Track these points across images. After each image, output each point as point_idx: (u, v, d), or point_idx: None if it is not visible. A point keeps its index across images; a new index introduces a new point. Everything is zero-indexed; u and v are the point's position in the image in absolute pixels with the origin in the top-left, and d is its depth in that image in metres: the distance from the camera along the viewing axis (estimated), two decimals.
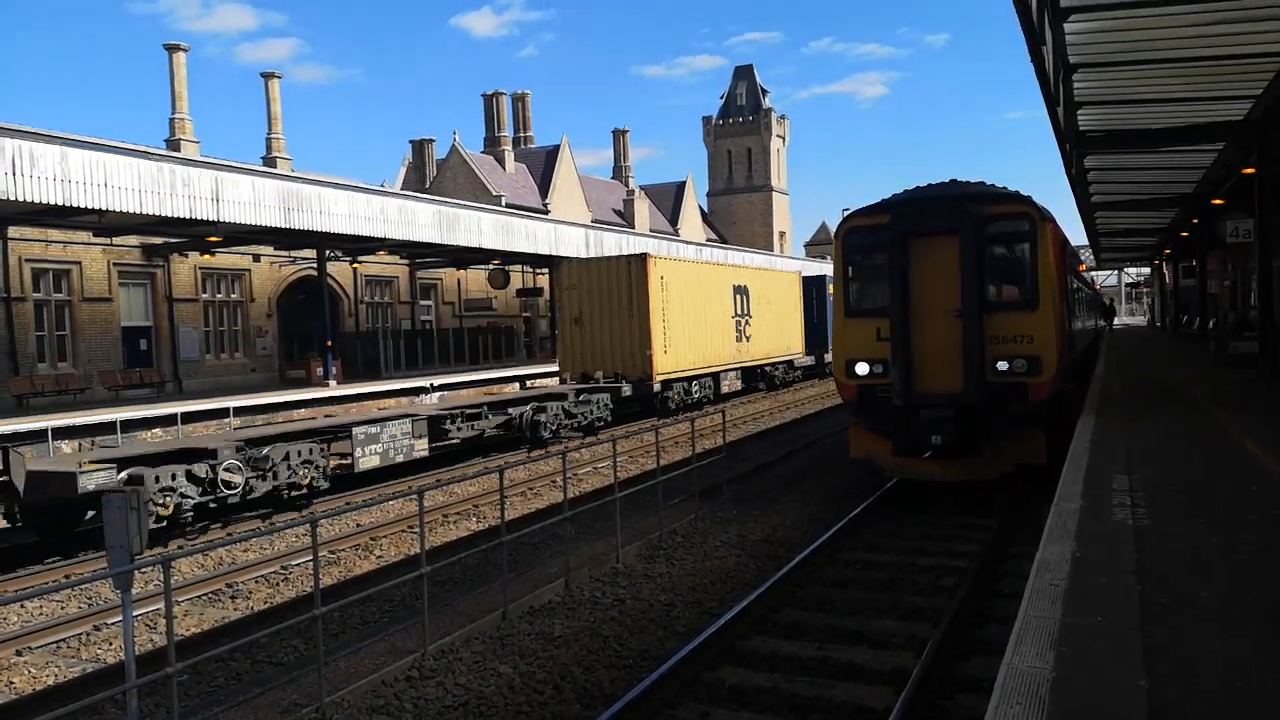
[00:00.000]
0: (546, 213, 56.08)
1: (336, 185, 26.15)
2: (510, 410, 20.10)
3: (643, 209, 76.08)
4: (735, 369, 30.65)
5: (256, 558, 11.99)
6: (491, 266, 40.21)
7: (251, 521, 14.01)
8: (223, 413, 22.65)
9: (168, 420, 21.36)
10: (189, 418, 21.82)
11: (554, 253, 34.84)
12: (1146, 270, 71.64)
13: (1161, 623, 4.48)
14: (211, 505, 13.19)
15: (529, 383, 30.31)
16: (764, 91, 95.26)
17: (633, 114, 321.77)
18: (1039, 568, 5.41)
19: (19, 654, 8.72)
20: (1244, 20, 11.27)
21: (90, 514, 12.33)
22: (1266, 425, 10.95)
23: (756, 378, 33.19)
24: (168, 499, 12.33)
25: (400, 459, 16.45)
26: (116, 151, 19.77)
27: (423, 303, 43.01)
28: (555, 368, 28.78)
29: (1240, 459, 8.91)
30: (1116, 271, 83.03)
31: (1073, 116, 15.34)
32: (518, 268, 43.39)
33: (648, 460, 17.57)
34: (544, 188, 65.77)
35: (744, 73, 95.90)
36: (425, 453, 17.21)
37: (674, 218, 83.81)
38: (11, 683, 8.14)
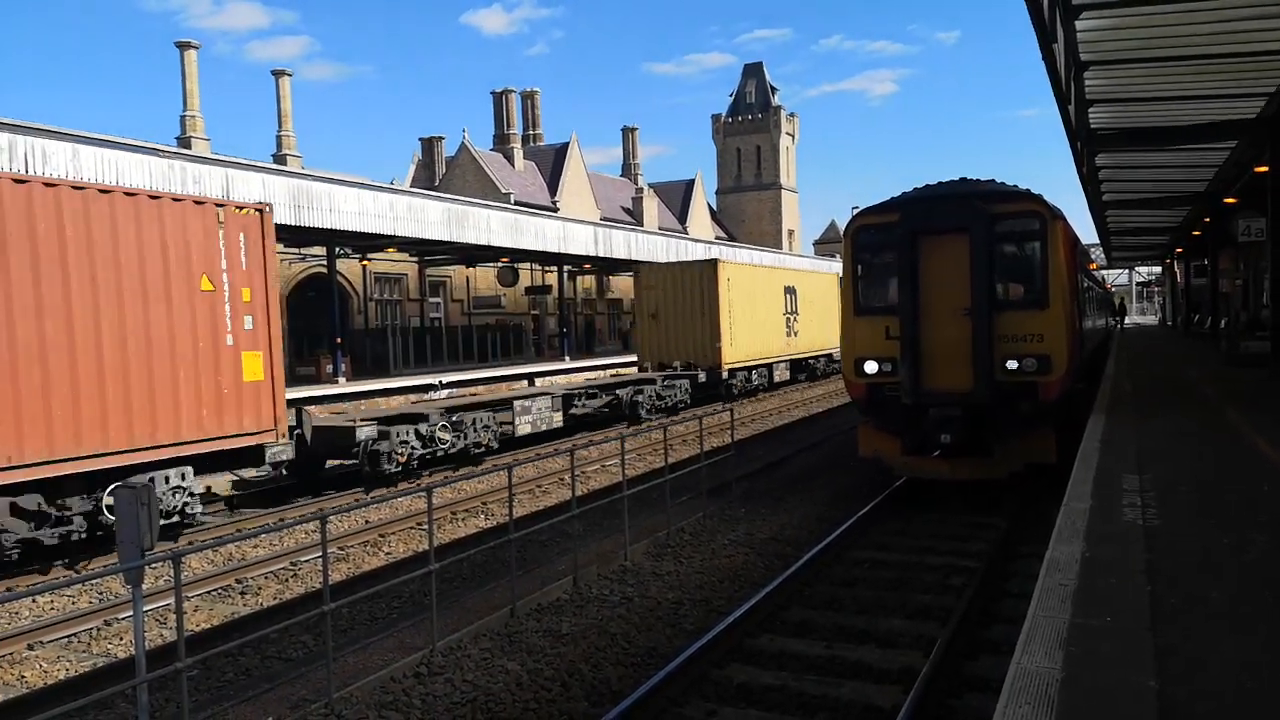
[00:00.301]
0: (555, 210, 56.14)
1: (346, 183, 26.20)
2: (618, 392, 24.06)
3: (651, 207, 76.04)
4: (785, 360, 33.76)
5: (266, 554, 12.04)
6: (500, 265, 40.26)
7: (264, 517, 14.07)
8: None
9: None
10: None
11: (562, 250, 34.85)
12: (1158, 269, 71.26)
13: (1172, 623, 4.46)
14: (428, 457, 16.76)
15: (612, 371, 33.38)
16: (773, 89, 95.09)
17: (642, 112, 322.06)
18: (1048, 567, 5.39)
19: (30, 648, 8.78)
20: (1257, 17, 11.20)
21: (354, 451, 15.68)
22: (1278, 425, 10.88)
23: (802, 369, 36.19)
24: (404, 450, 16.03)
25: (544, 427, 20.29)
26: (128, 149, 19.85)
27: (431, 300, 43.08)
28: (561, 365, 32.40)
29: (1252, 459, 8.86)
30: (1128, 270, 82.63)
31: (1084, 114, 15.27)
32: (526, 265, 43.44)
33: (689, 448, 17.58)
34: (553, 185, 65.81)
35: (753, 70, 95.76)
36: (560, 423, 21.08)
37: (683, 215, 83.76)
38: (23, 677, 8.20)
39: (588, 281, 54.86)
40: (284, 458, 13.72)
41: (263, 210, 13.35)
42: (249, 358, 12.83)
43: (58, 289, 10.71)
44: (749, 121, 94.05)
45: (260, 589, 10.61)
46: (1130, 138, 17.55)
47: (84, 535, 11.31)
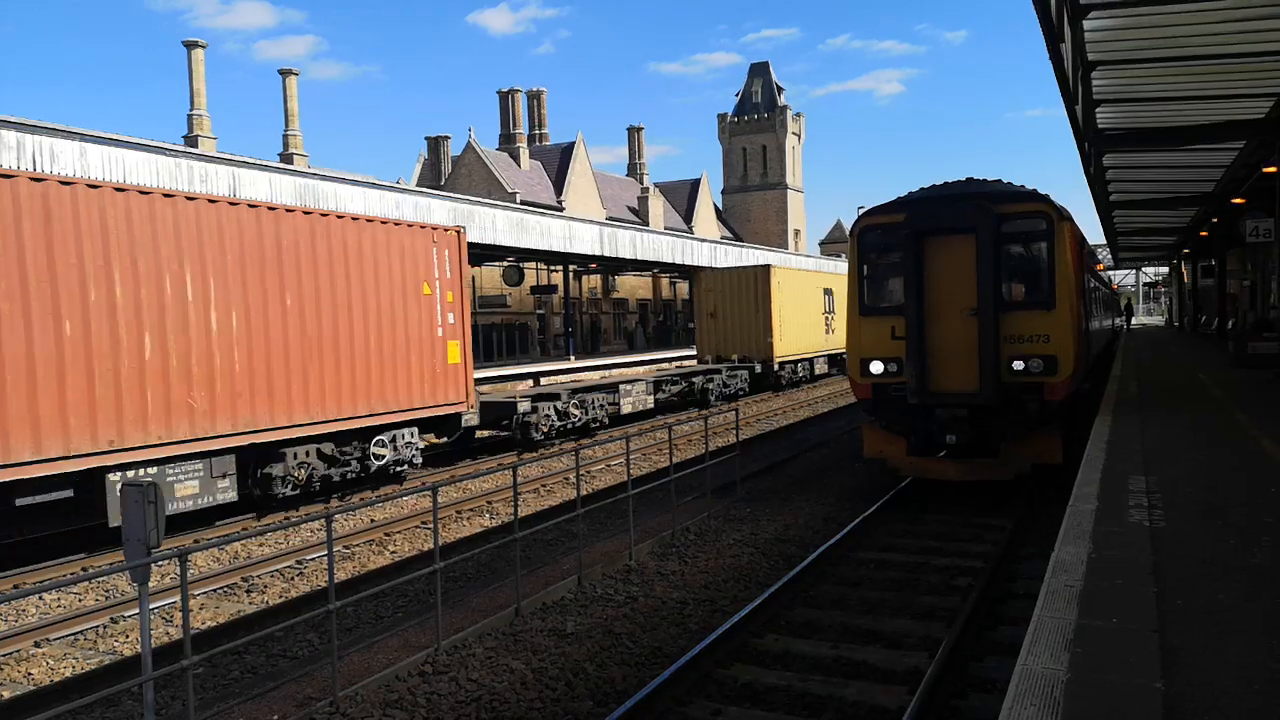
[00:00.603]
0: (561, 210, 56.14)
1: (352, 182, 26.25)
2: (693, 380, 27.80)
3: (657, 206, 76.03)
4: (824, 355, 36.98)
5: (272, 552, 12.07)
6: (506, 264, 40.29)
7: (271, 516, 14.10)
8: None
9: None
10: None
11: (568, 250, 34.86)
12: (1165, 270, 71.08)
13: (1178, 625, 4.45)
14: (561, 428, 20.61)
15: (670, 367, 35.90)
16: (780, 89, 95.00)
17: (648, 111, 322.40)
18: (1054, 569, 5.38)
19: (37, 645, 8.81)
20: (1265, 17, 11.16)
21: (505, 423, 19.62)
22: None
23: (836, 363, 38.64)
24: (547, 421, 19.95)
25: (640, 407, 24.41)
26: (135, 147, 19.90)
27: None
28: (567, 364, 34.07)
29: (1259, 460, 8.83)
30: (1134, 271, 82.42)
31: (1091, 114, 15.24)
32: (531, 265, 43.45)
33: (708, 442, 17.63)
34: (559, 185, 65.83)
35: (760, 70, 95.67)
36: (651, 404, 25.20)
37: (688, 215, 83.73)
38: (30, 674, 8.22)
39: (593, 281, 54.89)
40: (473, 424, 17.36)
41: (460, 231, 16.57)
42: (451, 346, 16.29)
43: (341, 292, 14.19)
44: (755, 121, 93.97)
45: (266, 587, 10.63)
46: (1138, 138, 17.51)
47: (359, 474, 14.99)
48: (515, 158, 65.92)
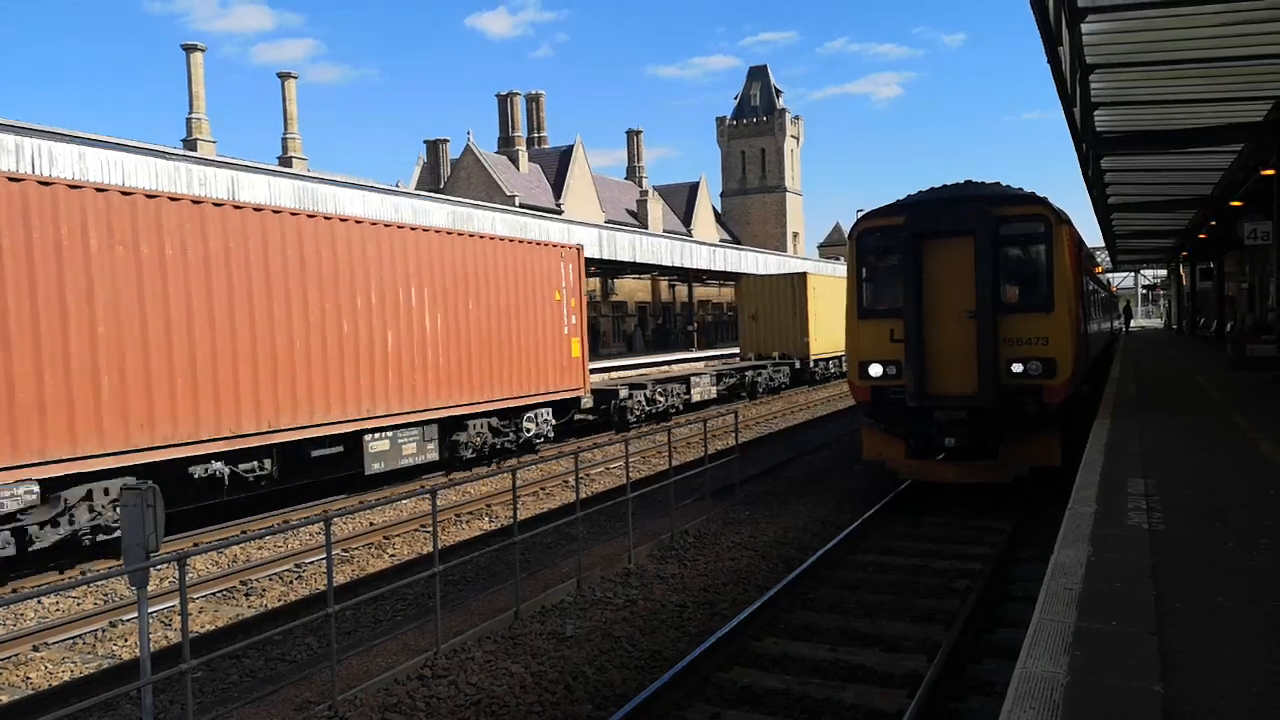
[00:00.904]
0: (560, 213, 56.15)
1: (351, 185, 26.25)
2: (745, 374, 31.74)
3: (656, 209, 76.08)
4: None
5: (270, 555, 12.05)
6: None
7: (268, 520, 14.09)
8: None
9: None
10: None
11: None
12: (1163, 272, 71.12)
13: (1177, 628, 4.45)
14: (647, 413, 24.18)
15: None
16: (778, 92, 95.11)
17: (647, 114, 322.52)
18: (1053, 571, 5.39)
19: (35, 649, 8.79)
20: (1263, 20, 11.17)
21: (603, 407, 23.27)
22: None
23: None
24: (638, 408, 23.61)
25: (707, 396, 28.15)
26: (134, 151, 19.90)
27: None
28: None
29: (1257, 462, 8.83)
30: (1133, 273, 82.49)
31: (1090, 117, 15.25)
32: None
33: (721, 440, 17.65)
34: (558, 188, 65.87)
35: (758, 73, 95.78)
36: (716, 394, 28.96)
37: (687, 218, 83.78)
38: (28, 678, 8.21)
39: (591, 284, 54.86)
40: (588, 406, 21.58)
41: (579, 248, 20.71)
42: (574, 342, 20.19)
43: (504, 299, 17.96)
44: (754, 124, 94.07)
45: (265, 591, 10.62)
46: (1136, 141, 17.52)
47: (513, 444, 18.71)
48: (514, 161, 65.97)
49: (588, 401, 21.11)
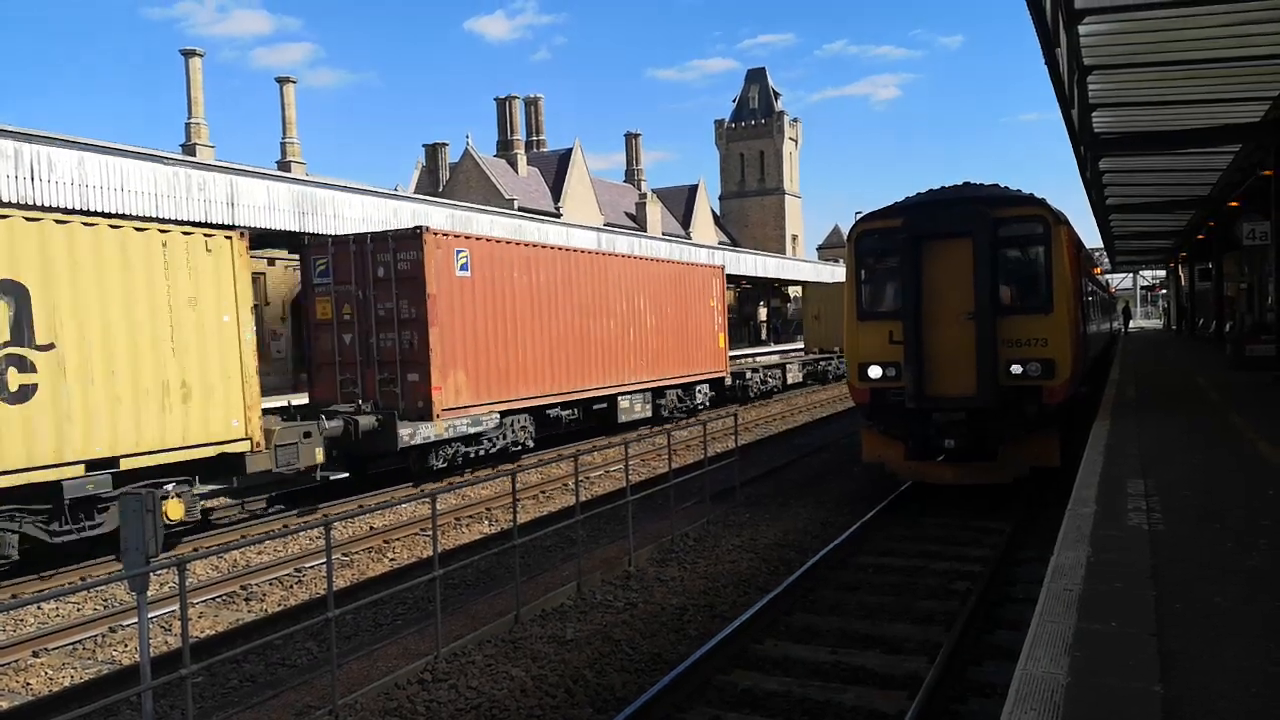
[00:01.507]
0: (559, 216, 56.18)
1: (350, 189, 26.27)
2: (819, 363, 38.81)
3: (655, 212, 76.12)
4: None
5: (271, 560, 12.05)
6: None
7: (269, 524, 14.09)
8: None
9: None
10: None
11: None
12: (1162, 273, 71.16)
13: (1177, 628, 4.45)
14: (758, 391, 31.96)
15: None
16: (776, 94, 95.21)
17: (645, 117, 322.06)
18: (1053, 573, 5.39)
19: (36, 655, 8.79)
20: (1260, 21, 11.18)
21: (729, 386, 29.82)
22: None
23: None
24: (756, 387, 31.61)
25: (795, 380, 35.46)
26: (133, 156, 19.91)
27: None
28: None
29: (1256, 463, 8.84)
30: (1132, 274, 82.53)
31: (1087, 119, 15.26)
32: None
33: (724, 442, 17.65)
34: (556, 191, 65.92)
35: (756, 75, 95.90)
36: (800, 379, 36.22)
37: (686, 221, 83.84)
38: (28, 684, 8.21)
39: None
40: (728, 384, 28.46)
41: (722, 268, 28.74)
42: (720, 336, 27.52)
43: (685, 306, 25.50)
44: (752, 127, 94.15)
45: (265, 595, 10.62)
46: (1134, 142, 17.53)
47: (687, 410, 25.65)
48: (513, 164, 66.02)
49: (728, 379, 27.98)
